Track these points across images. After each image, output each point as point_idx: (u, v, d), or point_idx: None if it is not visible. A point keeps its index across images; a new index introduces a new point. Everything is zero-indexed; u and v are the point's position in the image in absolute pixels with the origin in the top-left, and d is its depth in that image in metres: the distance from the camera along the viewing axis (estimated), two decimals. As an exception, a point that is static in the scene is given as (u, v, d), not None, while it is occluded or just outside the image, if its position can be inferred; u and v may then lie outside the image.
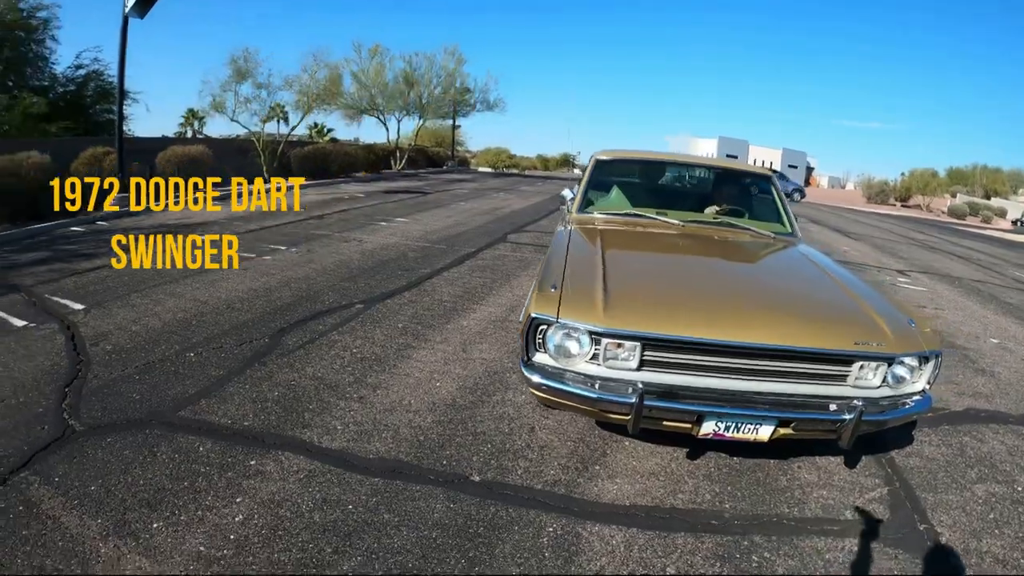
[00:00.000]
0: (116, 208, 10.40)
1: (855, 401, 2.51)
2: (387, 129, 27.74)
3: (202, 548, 2.29)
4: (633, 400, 2.43)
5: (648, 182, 5.23)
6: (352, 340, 4.58)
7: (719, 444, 3.05)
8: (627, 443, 3.21)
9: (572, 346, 2.58)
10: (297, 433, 3.13)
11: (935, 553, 2.55)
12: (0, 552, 2.25)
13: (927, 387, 2.74)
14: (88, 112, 16.73)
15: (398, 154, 27.25)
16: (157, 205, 10.96)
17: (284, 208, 12.17)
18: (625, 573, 2.28)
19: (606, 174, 4.96)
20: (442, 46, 29.02)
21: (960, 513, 2.85)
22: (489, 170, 44.65)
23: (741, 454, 3.17)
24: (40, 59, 16.42)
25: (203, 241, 7.88)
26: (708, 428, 2.57)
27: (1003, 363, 5.19)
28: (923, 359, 2.67)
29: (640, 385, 2.49)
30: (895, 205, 35.88)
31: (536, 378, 2.61)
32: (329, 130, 29.84)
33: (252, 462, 2.86)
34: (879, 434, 3.34)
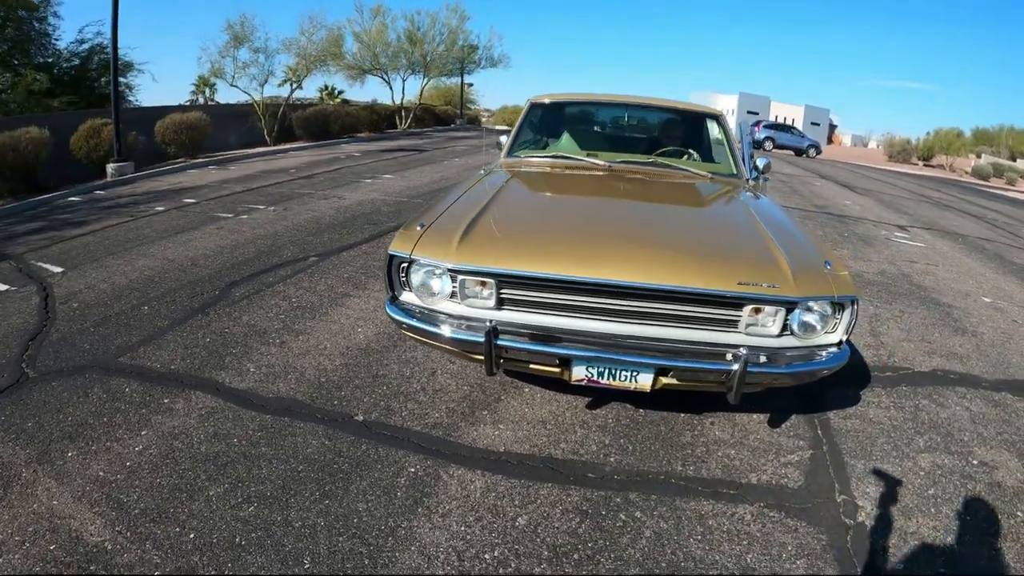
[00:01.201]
0: (113, 177, 10.81)
1: (740, 350, 2.26)
2: (391, 89, 27.74)
3: (101, 473, 2.64)
4: (484, 341, 2.35)
5: (588, 126, 5.21)
6: (295, 291, 4.90)
7: (613, 394, 3.06)
8: (526, 390, 3.26)
9: (434, 284, 2.58)
10: (213, 375, 3.46)
11: (844, 528, 2.31)
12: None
13: (844, 339, 2.47)
14: (93, 85, 17.11)
15: (403, 113, 27.23)
16: (153, 173, 11.36)
17: (277, 169, 12.47)
18: (471, 518, 2.30)
19: (543, 118, 4.94)
20: (444, 3, 28.54)
21: (892, 485, 2.60)
22: (502, 127, 44.13)
23: (649, 406, 3.09)
24: (43, 36, 16.76)
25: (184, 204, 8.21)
26: (580, 374, 2.45)
27: (990, 323, 4.85)
28: (836, 306, 2.43)
29: (489, 324, 2.37)
30: (917, 164, 34.52)
31: (395, 315, 2.65)
32: (340, 92, 29.75)
33: (166, 400, 3.20)
34: (809, 392, 3.21)
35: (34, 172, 9.65)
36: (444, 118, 32.38)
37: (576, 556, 2.13)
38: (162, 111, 14.24)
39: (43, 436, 2.94)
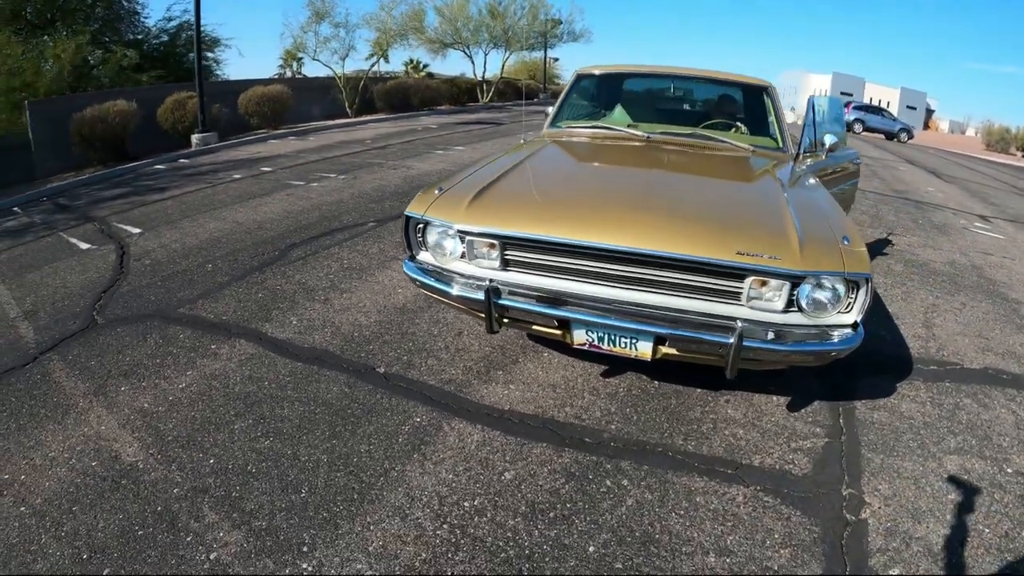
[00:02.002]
0: (197, 147, 11.51)
1: (737, 323, 2.19)
2: (473, 63, 27.93)
3: (146, 405, 2.90)
4: (484, 299, 2.42)
5: (633, 97, 5.14)
6: (348, 253, 5.10)
7: (627, 363, 3.05)
8: (545, 355, 3.29)
9: (447, 245, 2.65)
10: (258, 326, 3.69)
11: (843, 523, 2.15)
12: (15, 401, 2.99)
13: (858, 320, 2.30)
14: (181, 60, 18.20)
15: (484, 87, 27.38)
16: (235, 143, 11.99)
17: (354, 140, 12.88)
18: (460, 468, 2.38)
19: (588, 89, 4.91)
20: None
21: (908, 485, 2.38)
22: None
23: (665, 378, 3.06)
24: (132, 15, 18.02)
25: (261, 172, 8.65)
26: (580, 338, 2.45)
27: (1067, 325, 4.25)
28: (851, 284, 2.28)
29: (488, 283, 2.44)
30: (1016, 155, 31.13)
31: (410, 273, 2.78)
32: (425, 65, 30.19)
33: (213, 346, 3.45)
34: (838, 378, 3.12)
35: (122, 142, 10.42)
36: (527, 92, 32.25)
37: (552, 514, 2.15)
38: (246, 84, 14.96)
39: (102, 373, 3.24)
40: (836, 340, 2.28)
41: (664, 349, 2.38)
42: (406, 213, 2.75)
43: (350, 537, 2.03)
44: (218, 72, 20.00)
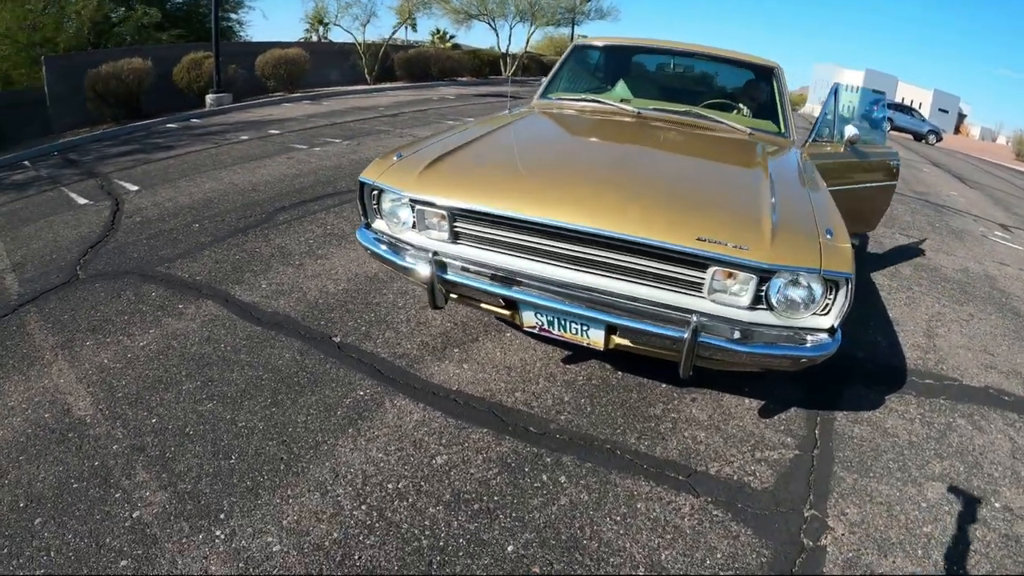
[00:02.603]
0: (211, 107, 11.54)
1: (693, 317, 2.01)
2: (497, 35, 27.56)
3: (106, 361, 2.94)
4: (427, 272, 2.32)
5: (630, 71, 5.01)
6: (333, 219, 5.10)
7: (590, 351, 2.93)
8: (508, 335, 3.22)
9: (401, 214, 2.57)
10: (228, 288, 3.71)
11: (798, 549, 1.98)
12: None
13: (835, 324, 2.08)
14: (203, 20, 18.13)
15: (508, 60, 27.03)
16: (249, 105, 12.01)
17: (368, 107, 12.81)
18: (392, 447, 2.33)
19: (585, 61, 4.77)
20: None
21: (880, 511, 2.19)
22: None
23: (631, 370, 2.95)
24: None
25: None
26: (530, 320, 2.34)
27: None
28: (830, 284, 2.04)
29: (432, 255, 2.33)
30: None
31: (362, 240, 2.72)
32: (451, 36, 29.85)
33: (180, 306, 3.48)
34: (821, 384, 2.96)
35: (136, 100, 10.50)
36: (551, 67, 31.75)
37: (476, 506, 2.08)
38: (265, 46, 14.92)
39: (72, 327, 3.29)
40: (809, 345, 2.06)
41: (616, 339, 2.24)
42: (359, 178, 2.63)
43: (267, 508, 2.04)
44: (241, 34, 19.97)
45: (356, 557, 1.87)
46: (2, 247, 4.66)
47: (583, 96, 4.16)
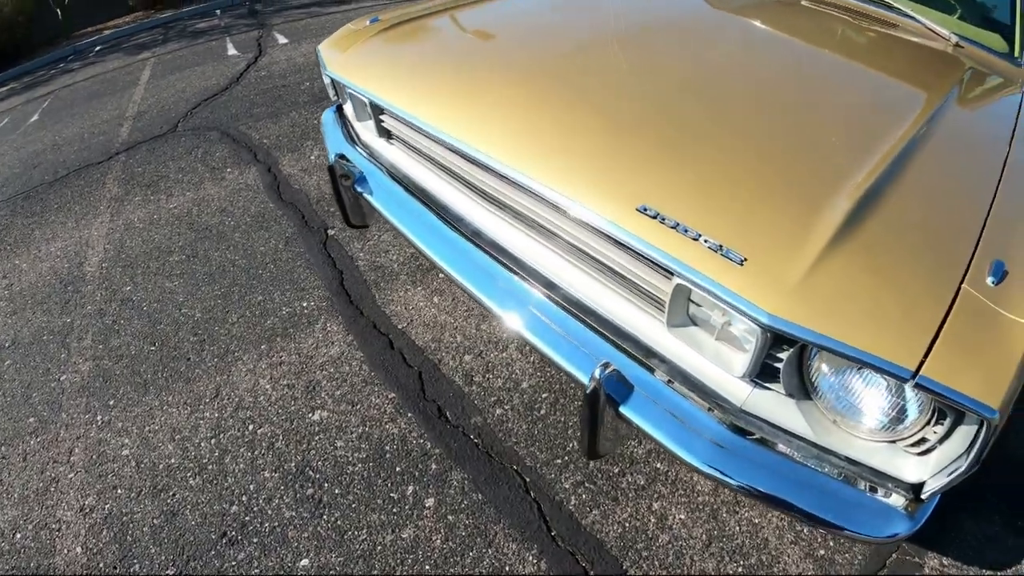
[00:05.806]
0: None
1: (607, 363, 1.13)
2: None
3: (135, 220, 3.07)
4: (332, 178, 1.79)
5: None
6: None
7: None
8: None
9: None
10: (279, 156, 3.62)
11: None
12: (68, 195, 3.39)
13: (931, 484, 0.93)
14: None
15: None
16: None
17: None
18: (284, 382, 1.99)
19: None
20: None
21: None
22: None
23: None
24: None
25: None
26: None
27: None
28: (938, 407, 0.92)
29: (336, 156, 1.82)
30: None
31: (323, 123, 2.16)
32: None
33: (228, 169, 3.49)
34: None
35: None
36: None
37: (309, 491, 1.72)
38: None
39: (137, 181, 3.48)
40: (858, 510, 0.96)
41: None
42: (318, 47, 2.04)
43: (142, 409, 1.97)
44: None
45: (170, 493, 1.69)
46: (141, 94, 5.06)
47: None
